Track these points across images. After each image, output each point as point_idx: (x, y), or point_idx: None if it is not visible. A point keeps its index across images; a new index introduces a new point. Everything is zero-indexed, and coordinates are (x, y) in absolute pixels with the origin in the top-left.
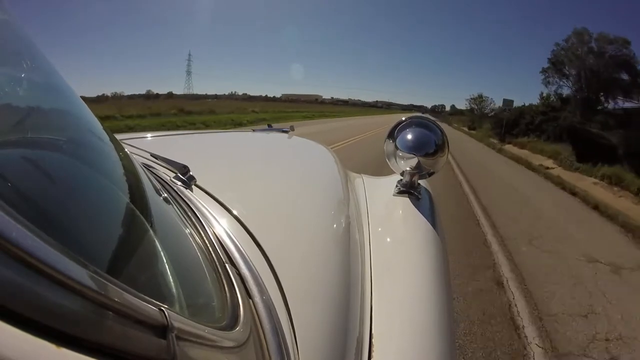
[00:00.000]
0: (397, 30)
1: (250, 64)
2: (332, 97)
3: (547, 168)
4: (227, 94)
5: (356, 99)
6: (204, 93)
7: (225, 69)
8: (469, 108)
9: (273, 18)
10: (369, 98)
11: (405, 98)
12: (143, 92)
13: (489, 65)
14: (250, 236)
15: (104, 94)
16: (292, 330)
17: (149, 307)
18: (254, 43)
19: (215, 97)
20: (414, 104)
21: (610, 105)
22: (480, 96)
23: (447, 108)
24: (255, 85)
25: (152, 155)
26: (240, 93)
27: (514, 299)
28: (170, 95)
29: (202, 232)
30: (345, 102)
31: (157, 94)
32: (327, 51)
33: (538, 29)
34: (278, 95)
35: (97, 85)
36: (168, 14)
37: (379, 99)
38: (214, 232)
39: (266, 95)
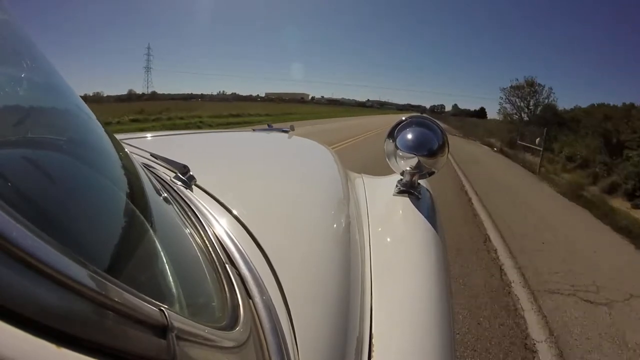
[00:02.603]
0: (393, 25)
1: (236, 63)
2: (322, 97)
3: None
4: (215, 93)
5: (345, 97)
6: (189, 92)
7: (209, 68)
8: (505, 106)
9: (260, 13)
10: (360, 96)
11: (402, 97)
12: (124, 92)
13: (491, 65)
14: (250, 236)
15: (85, 94)
16: (292, 330)
17: (149, 307)
18: (241, 40)
19: (202, 96)
20: (411, 103)
21: None
22: (531, 83)
23: (449, 108)
24: (239, 83)
25: (152, 155)
26: (229, 92)
27: None
28: (153, 94)
29: (202, 232)
30: (334, 102)
31: (142, 93)
32: (317, 48)
33: (541, 30)
34: (261, 93)
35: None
36: (158, 13)
37: (371, 98)
38: (214, 232)
39: (257, 95)
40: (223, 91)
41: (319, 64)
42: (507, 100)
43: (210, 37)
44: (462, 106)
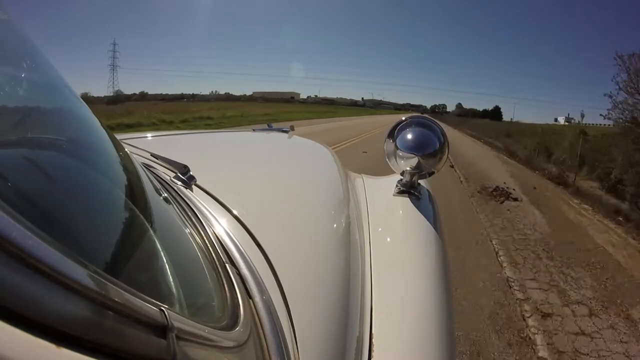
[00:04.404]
0: (390, 19)
1: (230, 62)
2: (316, 95)
3: None
4: (207, 93)
5: (341, 97)
6: (180, 93)
7: (201, 67)
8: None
9: (252, 10)
10: (357, 95)
11: (401, 96)
12: (111, 92)
13: (499, 59)
14: (250, 236)
15: None
16: (292, 330)
17: (149, 307)
18: (235, 39)
19: (193, 96)
20: (411, 102)
21: None
22: None
23: (453, 108)
24: (233, 83)
25: (152, 155)
26: (222, 92)
27: None
28: (143, 95)
29: (202, 232)
30: (328, 101)
31: (133, 93)
32: (312, 45)
33: (548, 28)
34: (255, 93)
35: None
36: (148, 12)
37: (368, 96)
38: (214, 232)
39: (247, 95)
40: (216, 91)
41: (313, 62)
42: (635, 87)
43: (204, 36)
44: (466, 105)
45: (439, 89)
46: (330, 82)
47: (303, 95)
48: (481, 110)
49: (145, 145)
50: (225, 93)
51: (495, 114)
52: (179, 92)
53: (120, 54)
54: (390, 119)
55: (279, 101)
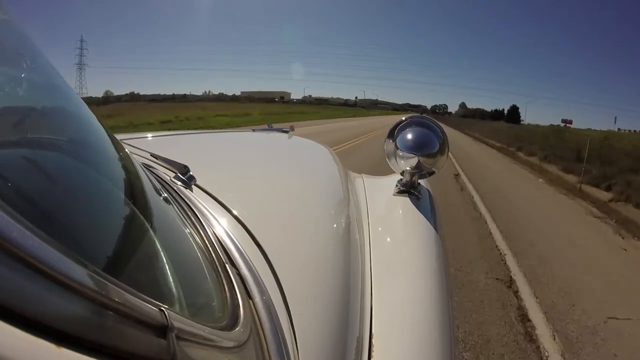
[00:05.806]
0: (387, 14)
1: (219, 57)
2: (310, 95)
3: None
4: (200, 93)
5: (339, 97)
6: (172, 93)
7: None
8: None
9: (246, 6)
10: (351, 94)
11: (400, 95)
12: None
13: (506, 53)
14: (250, 236)
15: None
16: (292, 330)
17: (149, 307)
18: (228, 37)
19: (184, 97)
20: (410, 102)
21: None
22: None
23: (455, 108)
24: (223, 82)
25: (152, 155)
26: (216, 92)
27: None
28: (133, 96)
29: (202, 232)
30: (323, 101)
31: (125, 93)
32: (307, 41)
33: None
34: (236, 93)
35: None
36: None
37: (367, 96)
38: (214, 232)
39: (234, 94)
40: (209, 91)
41: (307, 61)
42: None
43: (200, 34)
44: (470, 105)
45: (441, 84)
46: (326, 78)
47: (296, 95)
48: (490, 110)
49: (145, 145)
50: (220, 93)
51: (512, 115)
52: (170, 92)
53: (89, 51)
54: (363, 126)
55: (263, 101)
